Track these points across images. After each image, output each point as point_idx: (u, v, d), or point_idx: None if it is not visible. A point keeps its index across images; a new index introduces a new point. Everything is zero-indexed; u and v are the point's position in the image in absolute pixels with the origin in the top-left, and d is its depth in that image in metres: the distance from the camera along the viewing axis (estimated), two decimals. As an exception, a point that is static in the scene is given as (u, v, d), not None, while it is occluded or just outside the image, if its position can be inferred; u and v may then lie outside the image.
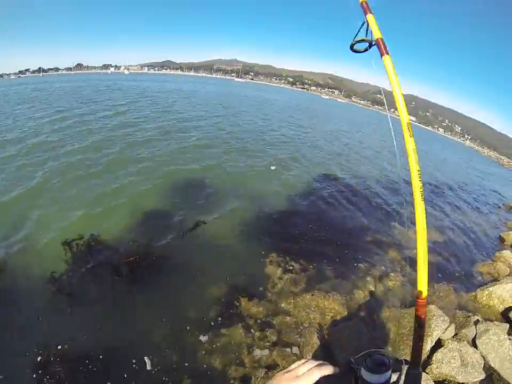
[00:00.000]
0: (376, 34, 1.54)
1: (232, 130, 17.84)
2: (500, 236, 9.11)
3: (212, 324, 4.51)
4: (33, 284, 4.97)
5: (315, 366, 0.84)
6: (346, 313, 4.93)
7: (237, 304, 4.87)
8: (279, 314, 4.84)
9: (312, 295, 5.17)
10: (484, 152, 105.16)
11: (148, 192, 8.45)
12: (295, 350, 4.27)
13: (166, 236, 6.46)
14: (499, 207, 13.20)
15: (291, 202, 9.04)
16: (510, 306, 5.60)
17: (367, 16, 1.57)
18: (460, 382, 4.04)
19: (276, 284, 5.46)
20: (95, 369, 3.74)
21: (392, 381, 0.99)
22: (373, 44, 1.56)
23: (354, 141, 23.17)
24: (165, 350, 4.06)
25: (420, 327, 1.17)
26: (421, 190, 1.05)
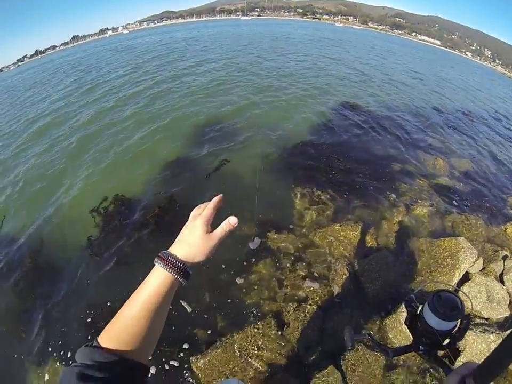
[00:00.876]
0: None
1: (251, 68, 16.97)
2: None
3: (244, 263, 4.45)
4: (73, 251, 5.18)
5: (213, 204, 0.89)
6: (375, 244, 4.79)
7: (267, 239, 4.76)
8: (308, 247, 4.73)
9: (340, 225, 4.98)
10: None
11: (167, 139, 8.39)
12: (325, 282, 4.21)
13: (190, 181, 6.37)
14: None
15: (316, 134, 8.59)
16: (540, 244, 5.40)
17: None
18: (485, 317, 3.99)
19: (303, 216, 5.31)
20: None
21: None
22: None
23: (381, 68, 21.62)
24: (202, 292, 4.13)
25: None
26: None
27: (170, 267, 0.77)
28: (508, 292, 4.31)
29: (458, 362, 3.38)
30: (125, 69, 19.72)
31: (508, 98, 24.30)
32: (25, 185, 7.42)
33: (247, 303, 3.97)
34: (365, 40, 56.75)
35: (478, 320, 3.87)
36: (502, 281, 4.51)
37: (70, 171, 7.62)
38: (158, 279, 0.77)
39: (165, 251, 0.81)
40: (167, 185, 6.31)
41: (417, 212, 5.57)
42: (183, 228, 0.86)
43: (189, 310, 3.94)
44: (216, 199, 0.90)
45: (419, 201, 5.89)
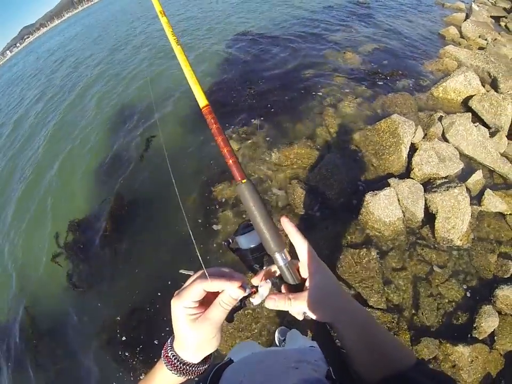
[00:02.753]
0: None
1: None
2: (439, 33, 8.76)
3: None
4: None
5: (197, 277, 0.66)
6: (317, 153, 4.53)
7: (217, 194, 4.44)
8: (258, 184, 4.38)
9: (278, 150, 4.71)
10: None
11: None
12: (287, 208, 4.02)
13: (127, 172, 5.66)
14: (431, 6, 12.53)
15: (217, 72, 7.97)
16: (467, 96, 5.47)
17: None
18: (443, 176, 4.02)
19: (240, 156, 4.84)
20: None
21: None
22: None
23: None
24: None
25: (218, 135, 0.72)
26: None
27: (172, 365, 0.65)
28: (454, 147, 4.38)
29: (437, 224, 3.42)
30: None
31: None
32: None
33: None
34: None
35: (438, 182, 3.88)
36: (446, 140, 4.58)
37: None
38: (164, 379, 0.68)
39: (173, 351, 0.66)
40: (107, 187, 5.50)
41: (346, 107, 5.39)
42: None
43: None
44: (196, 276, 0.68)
45: (343, 97, 5.69)
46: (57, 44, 32.43)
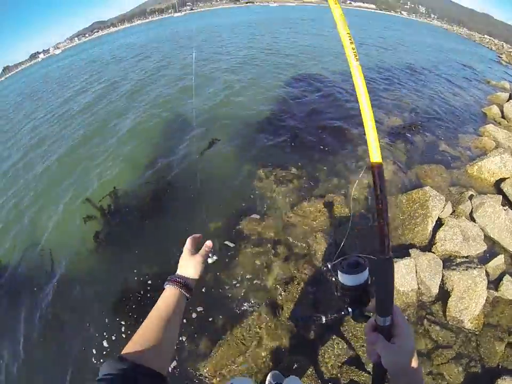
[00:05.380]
0: None
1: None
2: (482, 110, 8.98)
3: (226, 259, 4.31)
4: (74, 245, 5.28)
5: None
6: (347, 211, 4.77)
7: (243, 228, 4.70)
8: (283, 228, 4.68)
9: (309, 201, 4.95)
10: (453, 30, 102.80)
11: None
12: (307, 259, 4.19)
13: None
14: (477, 83, 12.88)
15: (267, 111, 8.52)
16: (500, 178, 5.62)
17: None
18: (465, 255, 4.13)
19: (271, 199, 5.23)
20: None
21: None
22: None
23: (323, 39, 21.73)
24: (191, 300, 4.01)
25: (380, 203, 0.79)
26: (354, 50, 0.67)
27: (173, 282, 1.06)
28: (480, 228, 4.49)
29: (450, 303, 3.50)
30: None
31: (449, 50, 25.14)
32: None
33: (238, 297, 3.88)
34: (301, 14, 57.61)
35: (458, 260, 3.99)
36: (473, 219, 4.68)
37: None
38: (166, 293, 1.04)
39: (178, 276, 1.11)
40: (151, 177, 6.35)
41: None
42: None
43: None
44: (192, 237, 1.23)
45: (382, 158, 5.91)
46: (128, 42, 39.71)
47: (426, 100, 9.68)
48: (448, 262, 3.99)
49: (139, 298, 4.03)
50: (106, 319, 3.95)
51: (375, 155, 0.76)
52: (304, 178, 5.63)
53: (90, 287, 4.46)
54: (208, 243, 1.22)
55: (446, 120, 8.15)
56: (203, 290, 3.95)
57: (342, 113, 8.06)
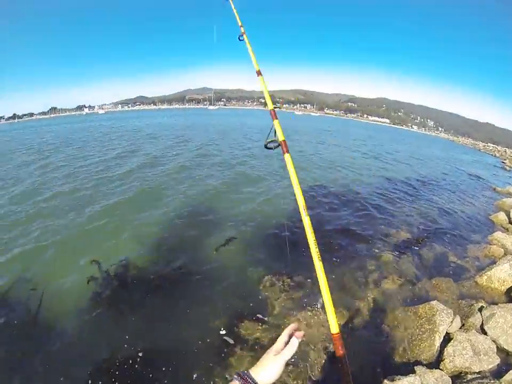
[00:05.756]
0: (280, 137, 2.09)
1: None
2: (489, 217, 9.26)
3: (218, 368, 4.24)
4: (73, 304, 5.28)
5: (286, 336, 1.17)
6: (350, 325, 4.84)
7: (245, 327, 4.78)
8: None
9: (312, 310, 5.06)
10: (459, 141, 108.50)
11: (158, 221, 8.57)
12: (304, 370, 4.11)
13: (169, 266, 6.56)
14: (483, 190, 13.45)
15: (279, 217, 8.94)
16: (511, 286, 5.65)
17: (273, 121, 2.18)
18: (476, 371, 4.00)
19: (273, 305, 5.30)
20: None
21: None
22: (278, 145, 2.08)
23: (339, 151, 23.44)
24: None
25: (342, 365, 1.11)
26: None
27: (243, 380, 0.99)
28: (492, 340, 4.40)
29: None
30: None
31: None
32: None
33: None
34: (321, 125, 63.52)
35: (470, 376, 3.88)
36: (484, 332, 4.63)
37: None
38: None
39: (244, 371, 1.04)
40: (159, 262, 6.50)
41: (387, 285, 5.76)
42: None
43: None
44: (290, 327, 1.21)
45: (387, 275, 6.10)
46: (166, 123, 47.25)
47: (434, 210, 10.11)
48: (459, 379, 3.87)
49: (125, 367, 4.02)
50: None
51: (333, 327, 1.02)
52: (308, 287, 5.69)
53: (76, 346, 4.44)
54: (295, 341, 1.14)
55: (453, 231, 8.42)
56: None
57: (349, 227, 8.47)
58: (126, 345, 4.40)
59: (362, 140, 39.81)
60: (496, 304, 5.05)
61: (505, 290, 5.69)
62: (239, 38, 3.18)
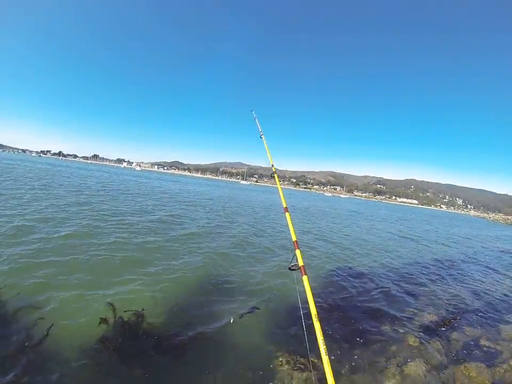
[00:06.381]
0: (300, 262, 2.85)
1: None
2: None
3: None
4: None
5: None
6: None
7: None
8: None
9: None
10: (490, 217, 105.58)
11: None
12: None
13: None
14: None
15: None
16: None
17: (296, 251, 2.99)
18: None
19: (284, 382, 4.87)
20: None
21: None
22: (298, 268, 2.84)
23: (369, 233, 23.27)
24: None
25: None
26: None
27: None
28: None
29: None
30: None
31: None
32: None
33: None
34: (349, 207, 63.48)
35: None
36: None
37: None
38: None
39: None
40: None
41: (411, 371, 5.25)
42: None
43: None
44: None
45: (411, 359, 5.62)
46: (199, 191, 49.58)
47: (464, 291, 9.55)
48: None
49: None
50: None
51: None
52: (324, 371, 5.33)
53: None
54: None
55: (485, 312, 7.84)
56: None
57: (374, 309, 8.05)
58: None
59: (391, 222, 39.49)
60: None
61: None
62: (260, 136, 5.15)
